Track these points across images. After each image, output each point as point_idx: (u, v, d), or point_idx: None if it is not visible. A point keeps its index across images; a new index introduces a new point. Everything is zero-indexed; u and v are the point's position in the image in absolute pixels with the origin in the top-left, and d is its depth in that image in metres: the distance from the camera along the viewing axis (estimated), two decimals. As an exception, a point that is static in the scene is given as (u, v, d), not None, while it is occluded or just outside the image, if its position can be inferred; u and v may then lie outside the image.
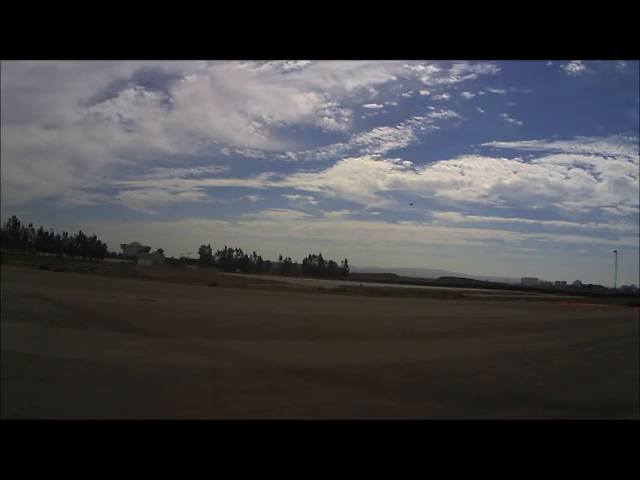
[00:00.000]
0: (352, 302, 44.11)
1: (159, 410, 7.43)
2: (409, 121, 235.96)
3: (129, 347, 12.47)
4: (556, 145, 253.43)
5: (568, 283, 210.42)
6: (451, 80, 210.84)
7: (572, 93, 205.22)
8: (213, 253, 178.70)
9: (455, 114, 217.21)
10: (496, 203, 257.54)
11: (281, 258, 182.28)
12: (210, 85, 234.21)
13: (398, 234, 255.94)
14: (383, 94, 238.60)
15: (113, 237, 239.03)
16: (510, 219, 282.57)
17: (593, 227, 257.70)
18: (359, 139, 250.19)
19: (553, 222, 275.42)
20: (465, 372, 12.22)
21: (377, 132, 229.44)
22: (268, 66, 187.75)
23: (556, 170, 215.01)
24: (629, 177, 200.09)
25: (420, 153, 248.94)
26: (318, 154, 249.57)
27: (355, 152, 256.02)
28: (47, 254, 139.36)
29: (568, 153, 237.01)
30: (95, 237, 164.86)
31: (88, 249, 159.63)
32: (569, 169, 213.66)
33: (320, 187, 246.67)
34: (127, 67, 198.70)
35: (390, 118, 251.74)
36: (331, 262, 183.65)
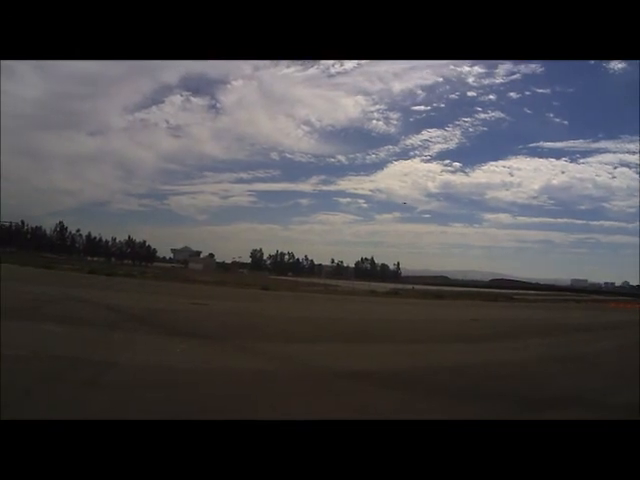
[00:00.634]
0: (404, 305, 44.56)
1: (209, 413, 7.44)
2: (457, 122, 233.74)
3: (180, 351, 12.65)
4: (602, 144, 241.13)
5: (616, 284, 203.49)
6: (497, 81, 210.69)
7: (615, 91, 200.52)
8: (265, 257, 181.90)
9: (502, 115, 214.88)
10: (545, 204, 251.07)
11: (333, 261, 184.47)
12: (257, 90, 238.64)
13: (449, 236, 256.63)
14: (430, 96, 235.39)
15: (163, 242, 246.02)
16: (559, 220, 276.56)
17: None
18: (408, 141, 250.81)
19: (601, 222, 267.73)
20: (515, 374, 12.43)
21: (426, 134, 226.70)
22: (314, 70, 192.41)
23: (603, 170, 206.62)
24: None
25: (469, 154, 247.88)
26: (368, 157, 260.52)
27: (405, 154, 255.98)
28: (95, 259, 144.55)
29: (614, 152, 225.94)
30: (145, 242, 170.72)
31: (137, 254, 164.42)
32: (615, 168, 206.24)
33: (371, 190, 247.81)
34: (172, 73, 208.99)
35: (438, 120, 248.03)
36: (383, 265, 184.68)
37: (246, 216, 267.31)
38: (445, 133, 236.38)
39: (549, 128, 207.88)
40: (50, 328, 14.04)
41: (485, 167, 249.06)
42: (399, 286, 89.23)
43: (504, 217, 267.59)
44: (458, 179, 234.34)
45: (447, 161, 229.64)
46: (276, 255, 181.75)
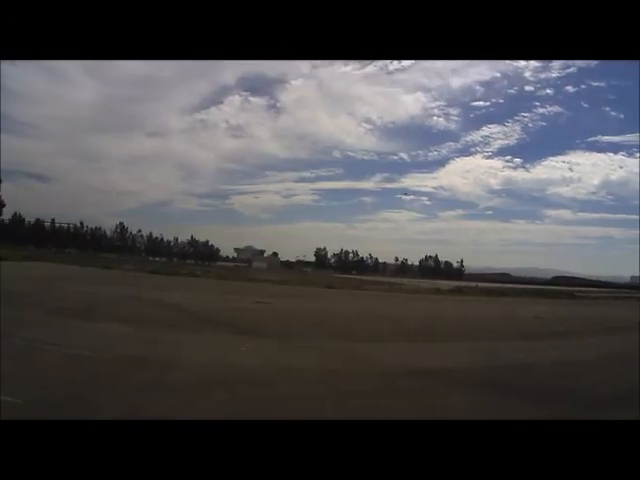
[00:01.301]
0: (467, 303, 44.56)
1: (274, 412, 7.57)
2: (516, 118, 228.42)
3: (245, 350, 12.92)
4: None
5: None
6: (553, 75, 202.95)
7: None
8: (329, 255, 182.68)
9: (560, 109, 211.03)
10: (604, 199, 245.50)
11: (397, 259, 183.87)
12: (316, 88, 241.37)
13: (512, 233, 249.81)
14: (489, 91, 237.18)
15: (226, 241, 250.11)
16: (618, 216, 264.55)
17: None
18: (469, 137, 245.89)
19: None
20: (579, 373, 12.28)
21: (486, 130, 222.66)
22: (372, 67, 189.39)
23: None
24: None
25: (529, 150, 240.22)
26: (430, 154, 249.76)
27: (466, 151, 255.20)
28: (157, 259, 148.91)
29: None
30: (207, 241, 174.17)
31: (200, 253, 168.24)
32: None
33: (434, 187, 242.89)
34: (229, 74, 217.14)
35: (498, 115, 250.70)
36: (447, 263, 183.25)
37: (310, 215, 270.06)
38: (505, 129, 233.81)
39: (606, 122, 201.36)
40: (113, 328, 14.63)
41: (545, 162, 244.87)
42: (463, 284, 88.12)
43: (564, 213, 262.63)
44: (519, 175, 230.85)
45: (508, 157, 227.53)
46: (340, 253, 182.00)
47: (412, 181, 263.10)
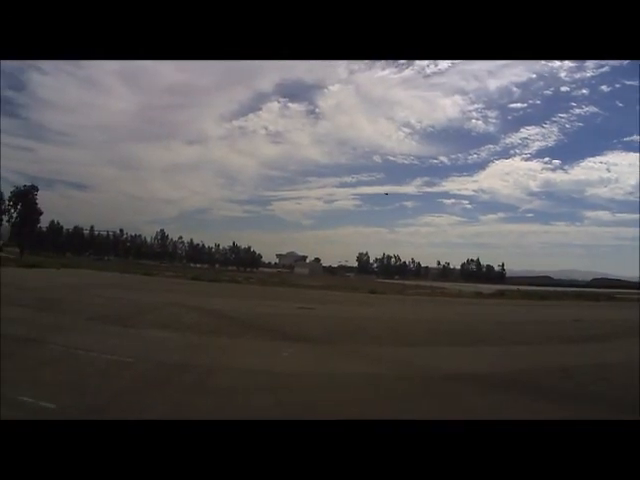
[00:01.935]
0: (508, 306, 44.08)
1: (315, 417, 7.52)
2: (553, 119, 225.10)
3: (287, 355, 12.93)
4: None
5: None
6: (587, 74, 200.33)
7: None
8: (371, 260, 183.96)
9: (595, 109, 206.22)
10: None
11: (439, 263, 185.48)
12: (354, 94, 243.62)
13: (552, 236, 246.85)
14: (526, 93, 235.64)
15: (268, 247, 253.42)
16: None
17: None
18: (508, 140, 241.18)
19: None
20: (619, 377, 12.06)
21: (524, 132, 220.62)
22: (409, 71, 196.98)
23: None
24: None
25: (567, 151, 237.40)
26: (470, 157, 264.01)
27: (505, 153, 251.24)
28: (199, 265, 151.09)
29: None
30: (249, 247, 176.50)
31: (242, 259, 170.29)
32: None
33: (474, 190, 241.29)
34: (267, 80, 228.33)
35: (535, 117, 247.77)
36: (488, 266, 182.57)
37: (351, 220, 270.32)
38: (543, 130, 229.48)
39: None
40: (154, 334, 14.81)
41: (583, 163, 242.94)
42: (504, 287, 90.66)
43: (603, 214, 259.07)
44: (558, 177, 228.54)
45: (546, 158, 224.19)
46: (382, 258, 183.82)
47: (452, 185, 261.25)
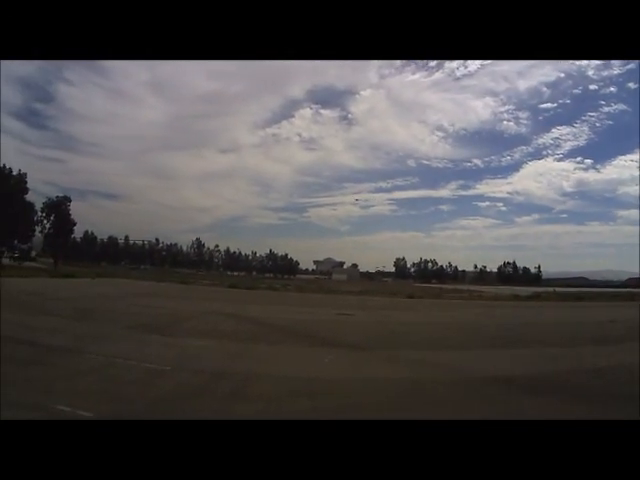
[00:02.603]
0: (545, 308, 44.36)
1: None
2: (584, 118, 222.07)
3: (328, 361, 12.88)
4: None
5: None
6: (614, 72, 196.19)
7: None
8: (408, 265, 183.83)
9: (624, 107, 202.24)
10: None
11: (476, 267, 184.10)
12: (386, 98, 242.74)
13: (586, 236, 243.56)
14: (555, 92, 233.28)
15: (305, 254, 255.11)
16: None
17: None
18: (540, 140, 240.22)
19: None
20: None
21: (556, 132, 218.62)
22: (440, 74, 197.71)
23: None
24: None
25: (598, 150, 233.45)
26: (503, 159, 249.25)
27: (538, 154, 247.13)
28: (235, 273, 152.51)
29: None
30: (286, 254, 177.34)
31: (279, 267, 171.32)
32: None
33: (508, 192, 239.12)
34: (298, 87, 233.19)
35: (566, 116, 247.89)
36: (525, 268, 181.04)
37: (388, 225, 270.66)
38: (574, 130, 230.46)
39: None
40: (192, 342, 14.88)
41: (615, 162, 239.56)
42: (540, 289, 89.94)
43: (636, 213, 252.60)
44: (591, 176, 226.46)
45: (579, 158, 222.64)
46: (419, 262, 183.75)
47: (487, 187, 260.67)
